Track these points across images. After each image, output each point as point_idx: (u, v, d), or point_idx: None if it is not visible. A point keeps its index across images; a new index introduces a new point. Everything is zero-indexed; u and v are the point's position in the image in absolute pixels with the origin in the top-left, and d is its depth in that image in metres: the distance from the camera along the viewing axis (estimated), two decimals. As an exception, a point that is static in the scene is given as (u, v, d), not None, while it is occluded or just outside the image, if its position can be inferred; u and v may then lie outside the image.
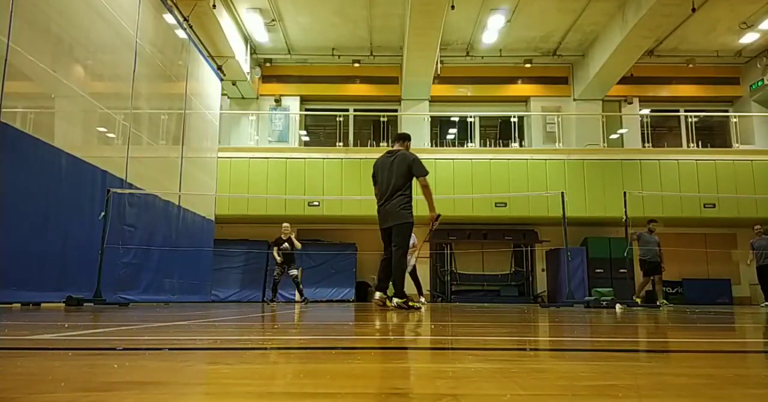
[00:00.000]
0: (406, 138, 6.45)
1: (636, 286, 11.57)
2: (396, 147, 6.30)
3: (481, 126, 16.93)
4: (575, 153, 14.71)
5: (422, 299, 10.43)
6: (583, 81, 16.20)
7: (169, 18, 10.12)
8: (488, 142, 16.24)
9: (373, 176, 6.21)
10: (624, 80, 15.89)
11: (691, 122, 15.68)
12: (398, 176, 5.92)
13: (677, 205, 13.97)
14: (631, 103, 16.93)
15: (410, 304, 5.83)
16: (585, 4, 13.66)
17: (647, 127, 16.37)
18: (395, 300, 5.81)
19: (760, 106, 16.33)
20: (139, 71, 8.65)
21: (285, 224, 10.96)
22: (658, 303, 10.43)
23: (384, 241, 6.06)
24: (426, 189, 5.97)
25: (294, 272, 10.75)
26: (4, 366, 1.31)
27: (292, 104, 16.70)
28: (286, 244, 10.73)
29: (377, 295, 5.96)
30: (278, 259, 10.66)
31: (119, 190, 8.00)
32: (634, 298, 10.59)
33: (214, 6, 12.13)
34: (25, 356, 1.56)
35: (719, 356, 1.76)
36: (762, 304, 11.46)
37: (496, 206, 14.05)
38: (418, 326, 3.17)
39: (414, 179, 6.04)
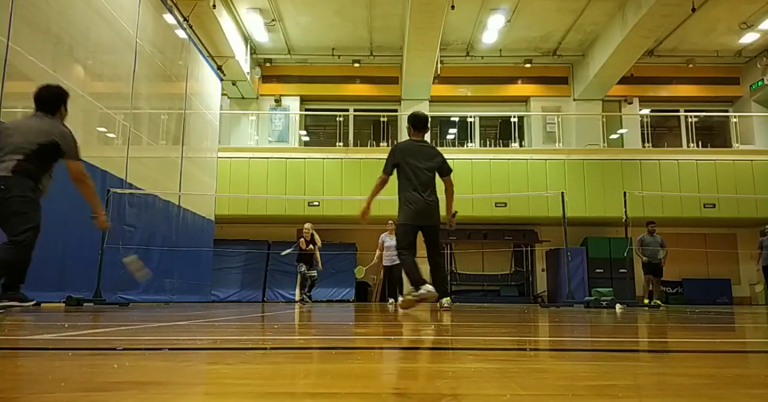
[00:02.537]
0: (428, 124, 5.70)
1: (640, 287, 11.53)
2: (421, 136, 5.54)
3: (481, 126, 16.93)
4: (575, 153, 14.71)
5: (391, 300, 10.35)
6: (583, 81, 16.20)
7: (169, 18, 10.11)
8: (488, 142, 16.25)
9: (395, 162, 5.29)
10: (624, 80, 15.89)
11: (691, 122, 15.69)
12: (433, 171, 5.35)
13: (677, 205, 13.98)
14: (631, 103, 16.93)
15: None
16: (585, 4, 13.66)
17: (647, 127, 16.37)
18: (447, 302, 5.41)
19: (760, 106, 16.33)
20: (139, 71, 8.65)
21: (306, 225, 10.76)
22: (644, 302, 10.37)
23: (411, 236, 5.26)
24: (452, 186, 5.55)
25: (313, 273, 10.67)
26: (4, 366, 1.31)
27: (292, 104, 16.70)
28: (310, 246, 10.56)
29: (428, 287, 5.10)
30: (303, 268, 10.60)
31: (119, 190, 8.00)
32: (654, 301, 10.52)
33: (214, 6, 12.14)
34: (25, 356, 1.56)
35: (719, 356, 1.76)
36: None
37: (496, 206, 14.05)
38: (418, 326, 3.17)
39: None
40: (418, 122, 5.51)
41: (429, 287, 5.00)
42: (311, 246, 10.59)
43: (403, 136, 16.25)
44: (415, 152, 5.33)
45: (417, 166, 5.25)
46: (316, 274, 10.73)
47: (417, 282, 5.10)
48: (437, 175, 5.43)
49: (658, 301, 10.63)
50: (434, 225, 5.35)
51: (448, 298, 5.44)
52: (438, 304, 5.48)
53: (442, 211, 5.45)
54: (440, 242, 5.47)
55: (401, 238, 5.30)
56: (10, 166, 4.11)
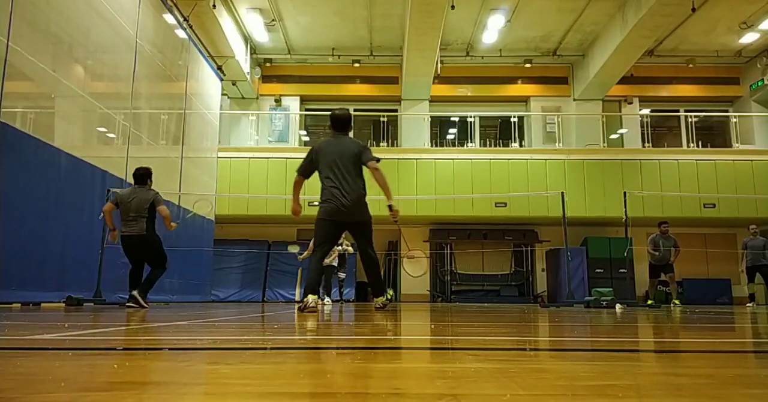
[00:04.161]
0: (350, 122, 5.45)
1: (640, 287, 11.52)
2: (341, 135, 5.32)
3: (481, 126, 16.92)
4: (575, 153, 14.71)
5: (327, 300, 10.38)
6: (583, 81, 16.20)
7: (169, 18, 10.11)
8: (488, 142, 16.24)
9: (310, 161, 5.15)
10: (624, 80, 15.89)
11: (691, 122, 15.68)
12: (354, 163, 5.05)
13: (677, 205, 13.97)
14: (631, 103, 16.93)
15: (389, 296, 5.38)
16: (585, 4, 13.66)
17: (647, 127, 16.37)
18: (380, 300, 5.25)
19: (760, 106, 16.33)
20: (139, 71, 8.65)
21: None
22: (648, 303, 10.38)
23: (329, 235, 5.07)
24: (378, 172, 5.02)
25: (342, 275, 11.18)
26: (4, 366, 1.31)
27: (292, 104, 16.70)
28: (339, 247, 10.83)
29: (311, 298, 4.87)
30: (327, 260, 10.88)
31: (119, 190, 7.99)
32: (673, 301, 10.59)
33: (214, 6, 12.13)
34: (25, 356, 1.56)
35: (719, 356, 1.76)
36: (747, 305, 11.40)
37: (496, 206, 14.05)
38: (418, 326, 3.17)
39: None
40: (336, 122, 5.34)
41: (310, 298, 4.84)
42: (339, 248, 10.86)
43: (403, 136, 16.26)
44: (332, 147, 5.12)
45: (334, 161, 5.01)
46: (344, 275, 11.27)
47: (308, 289, 4.96)
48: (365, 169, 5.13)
49: (677, 301, 10.63)
50: (358, 221, 5.06)
51: (382, 297, 5.17)
52: (374, 304, 5.38)
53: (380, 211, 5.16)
54: (371, 237, 5.17)
55: (316, 235, 5.08)
56: (143, 227, 6.52)
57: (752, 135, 15.96)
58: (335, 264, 10.64)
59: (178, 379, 1.12)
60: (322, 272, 5.20)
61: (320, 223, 5.05)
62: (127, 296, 8.03)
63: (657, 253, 10.59)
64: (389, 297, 5.35)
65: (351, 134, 5.54)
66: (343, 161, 5.02)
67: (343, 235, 10.78)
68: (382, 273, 5.52)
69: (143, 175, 6.79)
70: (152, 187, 6.82)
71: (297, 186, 5.29)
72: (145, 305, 6.39)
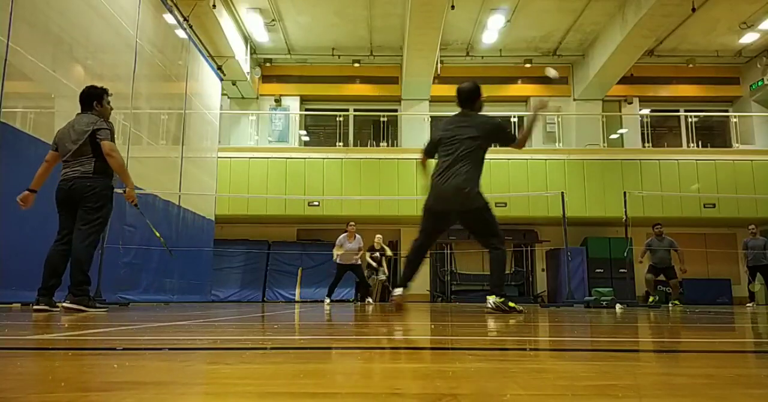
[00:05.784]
0: (477, 96, 4.80)
1: (640, 287, 11.55)
2: (466, 111, 4.76)
3: (481, 126, 16.91)
4: (575, 153, 14.72)
5: (326, 300, 10.54)
6: (583, 81, 16.20)
7: (169, 18, 10.11)
8: (488, 142, 16.23)
9: (433, 140, 4.74)
10: (624, 80, 15.89)
11: (691, 122, 15.69)
12: (470, 145, 4.48)
13: (677, 205, 13.98)
14: (631, 103, 16.94)
15: (511, 305, 4.48)
16: (585, 4, 13.67)
17: (647, 127, 16.38)
18: (493, 299, 4.48)
19: (760, 106, 16.34)
20: (139, 71, 8.65)
21: (378, 236, 12.09)
22: (650, 300, 10.40)
23: (428, 228, 4.64)
24: (519, 146, 4.67)
25: (382, 277, 12.12)
26: (4, 366, 1.31)
27: (292, 104, 16.71)
28: (377, 253, 11.97)
29: (398, 292, 4.58)
30: (373, 264, 11.99)
31: (119, 190, 7.99)
32: (672, 301, 10.64)
33: (214, 6, 12.14)
34: (25, 356, 1.56)
35: (719, 356, 1.76)
36: (747, 305, 11.40)
37: (496, 206, 13.96)
38: (418, 326, 3.17)
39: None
40: (458, 96, 4.81)
41: (397, 291, 4.60)
42: (377, 254, 11.97)
43: (403, 136, 16.25)
44: (449, 126, 4.65)
45: (447, 143, 4.53)
46: (384, 277, 12.31)
47: (398, 280, 4.68)
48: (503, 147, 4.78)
49: (677, 301, 10.64)
50: (463, 211, 4.49)
51: (494, 296, 4.42)
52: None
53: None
54: (492, 229, 4.50)
55: (421, 224, 4.68)
56: (90, 169, 4.79)
57: (752, 135, 15.97)
58: (359, 262, 10.90)
59: (178, 379, 1.12)
60: (415, 264, 4.66)
61: (423, 214, 4.63)
62: (128, 297, 7.97)
63: (647, 260, 10.65)
64: (508, 304, 4.43)
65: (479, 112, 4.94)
66: (457, 142, 4.49)
67: (377, 240, 11.70)
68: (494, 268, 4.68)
69: (87, 96, 4.93)
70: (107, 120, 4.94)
71: (421, 165, 4.82)
72: (99, 307, 4.96)
